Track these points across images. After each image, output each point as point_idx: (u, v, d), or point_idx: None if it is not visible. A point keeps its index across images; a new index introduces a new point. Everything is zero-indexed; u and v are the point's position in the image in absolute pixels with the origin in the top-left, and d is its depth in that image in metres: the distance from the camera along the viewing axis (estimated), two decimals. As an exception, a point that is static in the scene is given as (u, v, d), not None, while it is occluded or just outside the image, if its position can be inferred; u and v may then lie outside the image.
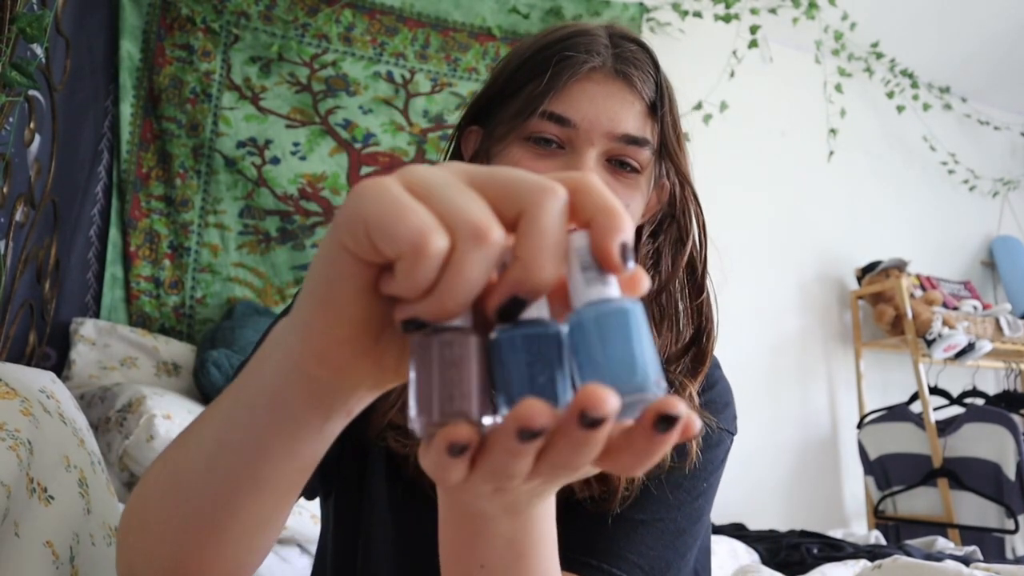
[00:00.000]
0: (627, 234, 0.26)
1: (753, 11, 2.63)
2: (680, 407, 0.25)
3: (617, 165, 0.64)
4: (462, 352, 0.27)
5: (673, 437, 0.25)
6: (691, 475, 0.62)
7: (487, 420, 0.27)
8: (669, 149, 0.65)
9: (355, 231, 0.26)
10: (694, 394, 0.63)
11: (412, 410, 0.27)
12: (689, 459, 0.61)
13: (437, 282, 0.25)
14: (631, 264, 0.27)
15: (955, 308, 2.76)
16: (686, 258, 0.66)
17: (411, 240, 0.24)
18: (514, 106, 0.63)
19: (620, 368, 0.25)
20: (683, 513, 0.61)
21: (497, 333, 0.27)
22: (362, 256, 0.26)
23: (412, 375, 0.27)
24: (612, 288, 0.27)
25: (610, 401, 0.24)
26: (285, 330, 0.32)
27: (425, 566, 0.57)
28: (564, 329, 0.27)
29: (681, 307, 0.66)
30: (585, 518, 0.59)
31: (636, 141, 0.63)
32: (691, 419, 0.25)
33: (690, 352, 0.65)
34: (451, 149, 0.71)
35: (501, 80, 0.66)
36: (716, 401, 0.68)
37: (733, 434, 0.69)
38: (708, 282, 0.66)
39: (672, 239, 0.68)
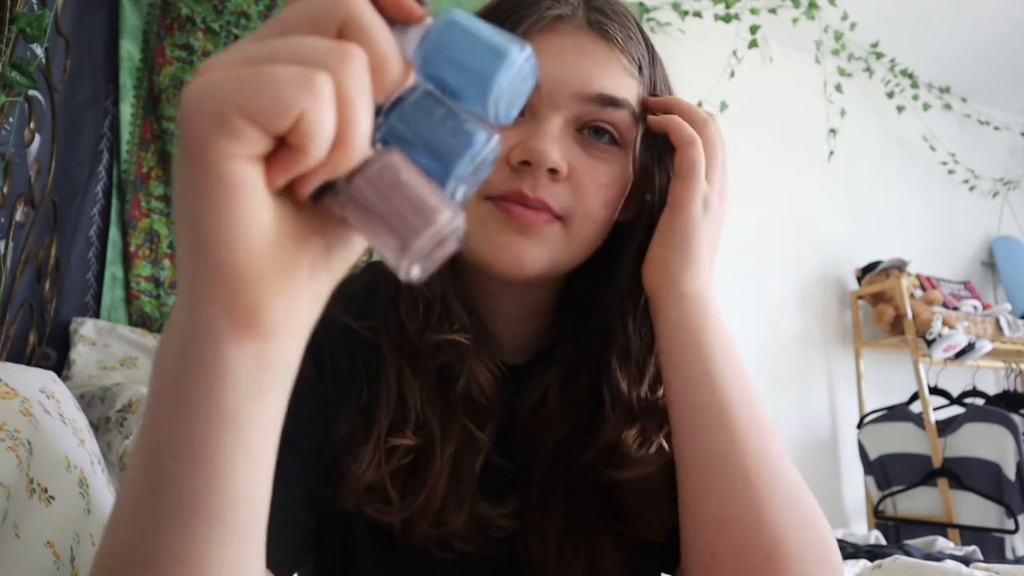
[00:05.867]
0: None
1: (753, 11, 2.63)
2: None
3: (591, 134, 0.53)
4: (392, 171, 0.25)
5: None
6: None
7: (451, 206, 0.25)
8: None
9: (232, 128, 0.22)
10: None
11: (393, 260, 0.25)
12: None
13: (339, 126, 0.23)
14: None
15: (955, 308, 2.75)
16: None
17: (299, 91, 0.22)
18: None
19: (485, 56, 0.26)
20: None
21: (389, 129, 0.27)
22: (249, 151, 0.23)
23: (365, 231, 0.26)
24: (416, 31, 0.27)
25: None
26: (183, 316, 0.27)
27: None
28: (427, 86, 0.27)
29: None
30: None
31: (614, 102, 0.52)
32: None
33: None
34: None
35: None
36: None
37: None
38: None
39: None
